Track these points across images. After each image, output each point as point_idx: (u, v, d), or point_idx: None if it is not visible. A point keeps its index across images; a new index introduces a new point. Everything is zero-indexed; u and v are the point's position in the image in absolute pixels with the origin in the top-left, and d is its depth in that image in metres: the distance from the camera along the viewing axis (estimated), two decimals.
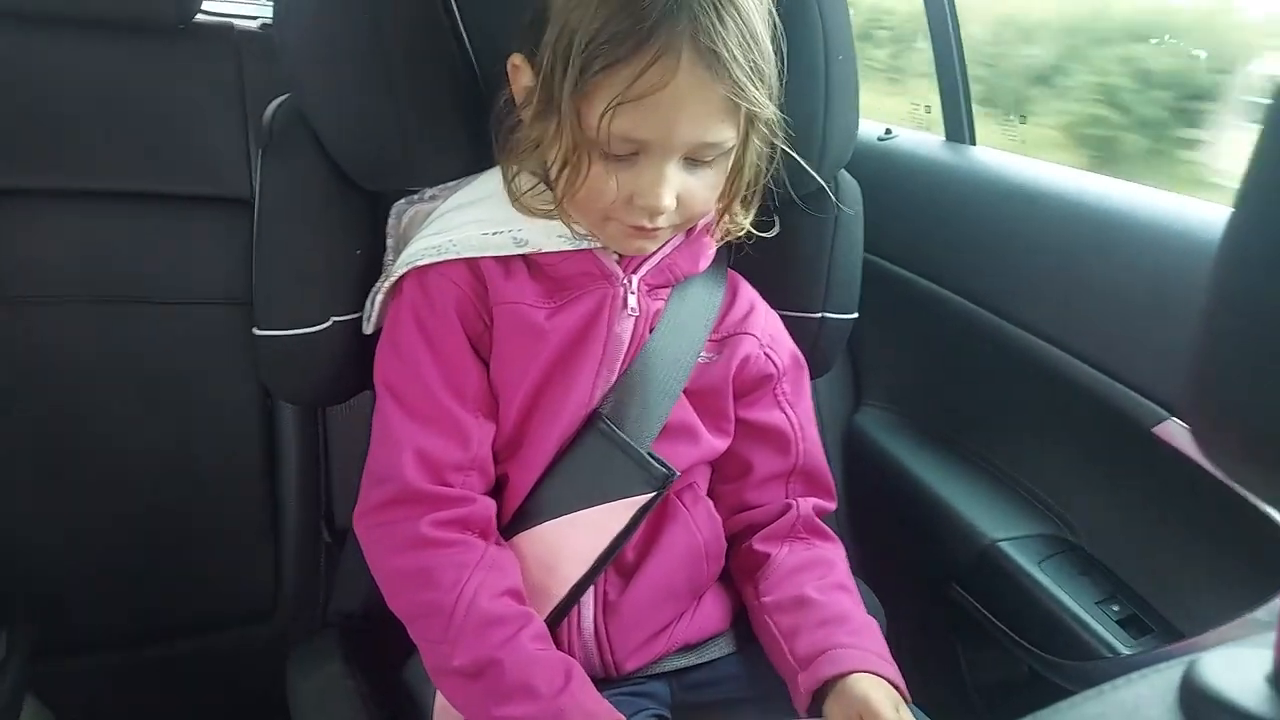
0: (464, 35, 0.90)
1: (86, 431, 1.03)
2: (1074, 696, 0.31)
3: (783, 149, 0.77)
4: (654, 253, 0.79)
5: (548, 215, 0.75)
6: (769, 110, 0.71)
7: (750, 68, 0.67)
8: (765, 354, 0.86)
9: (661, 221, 0.71)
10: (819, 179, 0.87)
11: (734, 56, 0.65)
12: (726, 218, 0.79)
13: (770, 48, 0.70)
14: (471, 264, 0.76)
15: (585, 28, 0.65)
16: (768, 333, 0.87)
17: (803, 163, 0.82)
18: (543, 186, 0.76)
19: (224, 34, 1.08)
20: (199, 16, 1.06)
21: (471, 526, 0.73)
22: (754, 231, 0.82)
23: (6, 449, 1.01)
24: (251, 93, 1.05)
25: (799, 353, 0.89)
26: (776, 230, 0.82)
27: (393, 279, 0.78)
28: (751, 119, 0.70)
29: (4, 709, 0.85)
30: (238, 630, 1.09)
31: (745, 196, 0.78)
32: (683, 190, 0.70)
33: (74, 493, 1.03)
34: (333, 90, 0.82)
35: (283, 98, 0.86)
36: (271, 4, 0.90)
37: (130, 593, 1.05)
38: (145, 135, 1.04)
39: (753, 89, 0.67)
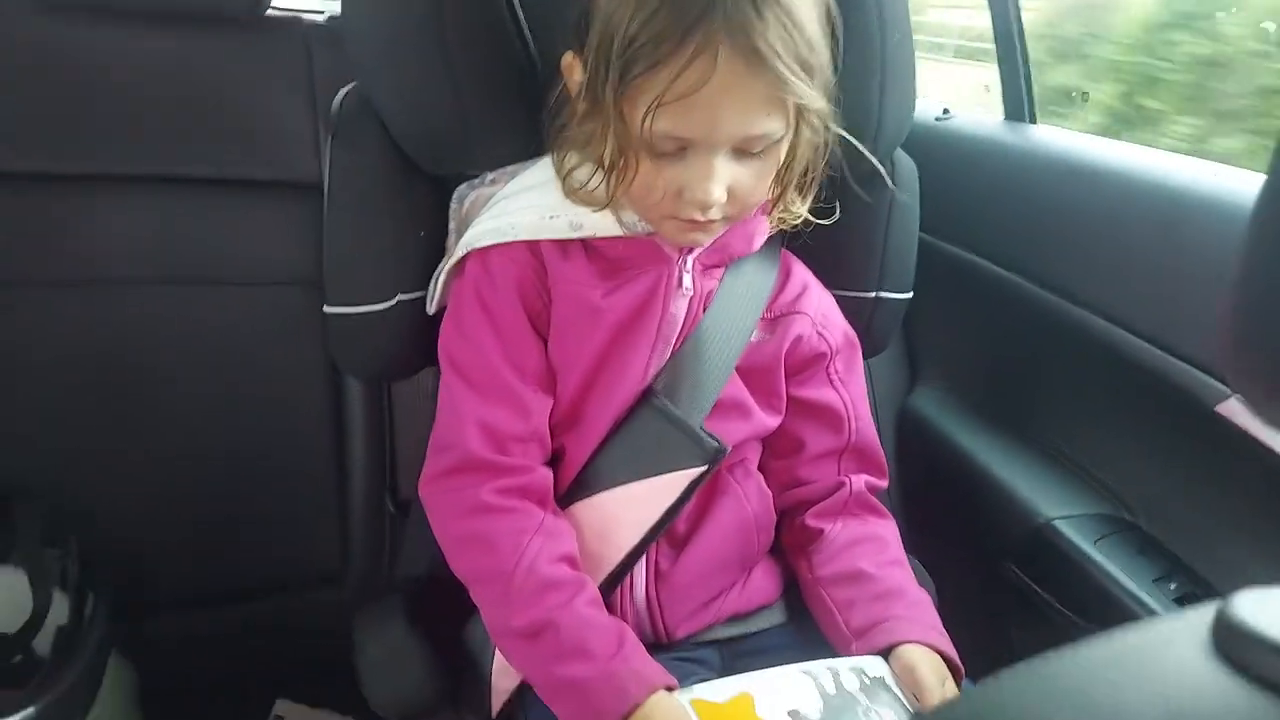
0: (522, 24, 0.92)
1: (162, 407, 1.08)
2: (1105, 631, 0.32)
3: (838, 133, 0.76)
4: None
5: (601, 209, 0.76)
6: (817, 101, 0.69)
7: (794, 60, 0.65)
8: (818, 333, 0.86)
9: (714, 214, 0.71)
10: (874, 161, 0.86)
11: (774, 51, 0.64)
12: (781, 206, 0.78)
13: (821, 36, 0.69)
14: (532, 245, 0.78)
15: (624, 30, 0.65)
16: (820, 312, 0.87)
17: (859, 145, 0.81)
18: (595, 182, 0.76)
19: (293, 26, 1.13)
20: (269, 11, 1.10)
21: (530, 495, 0.76)
22: (811, 219, 0.81)
23: (89, 423, 1.07)
24: (320, 82, 1.09)
25: (851, 331, 0.90)
26: (836, 217, 0.82)
27: (455, 259, 0.81)
28: (801, 110, 0.69)
29: (90, 666, 0.91)
30: (308, 594, 1.14)
31: (800, 185, 0.78)
32: (733, 182, 0.70)
33: (152, 465, 1.09)
34: (396, 78, 0.84)
35: (349, 86, 0.89)
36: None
37: (205, 558, 1.10)
38: (217, 123, 1.08)
39: (797, 81, 0.66)
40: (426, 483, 0.78)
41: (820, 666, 0.70)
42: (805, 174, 0.76)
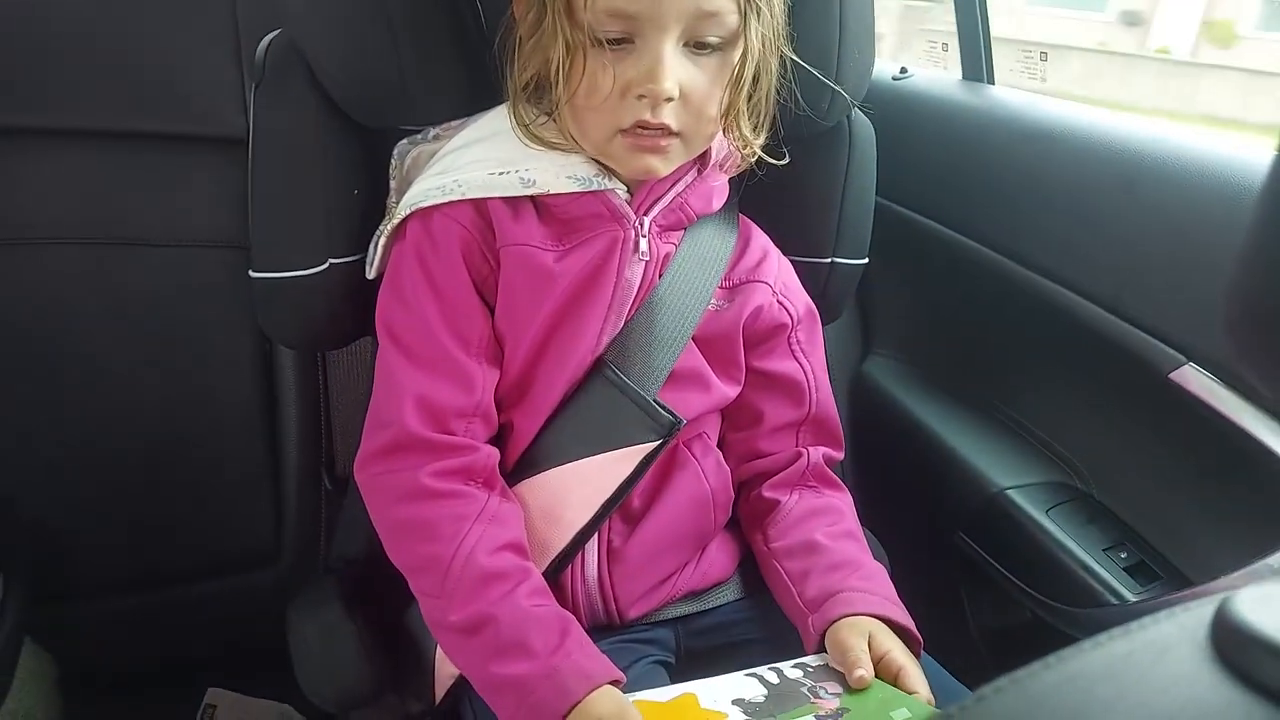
0: None
1: (82, 376, 1.02)
2: (1099, 635, 0.29)
3: (793, 59, 0.76)
4: (666, 191, 0.77)
5: (556, 146, 0.74)
6: None
7: None
8: (779, 302, 0.84)
9: (667, 114, 0.69)
10: (833, 87, 0.84)
11: None
12: (735, 135, 0.76)
13: None
14: (478, 205, 0.74)
15: None
16: (781, 280, 0.85)
17: (818, 75, 0.80)
18: (546, 119, 0.74)
19: None
20: None
21: (474, 476, 0.72)
22: (765, 158, 0.79)
23: (2, 395, 1.00)
24: (245, 29, 1.02)
25: (812, 303, 0.88)
26: (787, 160, 0.80)
27: (396, 221, 0.76)
28: (751, 1, 0.68)
29: (1, 652, 0.85)
30: (239, 576, 1.09)
31: (756, 112, 0.75)
32: (685, 81, 0.68)
33: (72, 437, 1.02)
34: (328, 21, 0.79)
35: (276, 32, 0.83)
36: None
37: (129, 537, 1.05)
38: (136, 74, 1.01)
39: None
40: (362, 465, 0.74)
41: (764, 668, 0.70)
42: (756, 98, 0.75)
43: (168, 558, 1.07)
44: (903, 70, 1.26)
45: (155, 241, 1.03)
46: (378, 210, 0.84)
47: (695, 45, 0.69)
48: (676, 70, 0.68)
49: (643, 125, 0.69)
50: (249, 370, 1.06)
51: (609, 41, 0.68)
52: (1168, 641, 0.29)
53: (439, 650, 0.75)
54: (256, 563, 1.09)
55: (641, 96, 0.68)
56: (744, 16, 0.69)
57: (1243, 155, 0.86)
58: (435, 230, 0.74)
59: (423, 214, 0.75)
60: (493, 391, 0.75)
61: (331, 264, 0.83)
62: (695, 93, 0.70)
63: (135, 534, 1.04)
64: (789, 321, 0.84)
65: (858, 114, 0.94)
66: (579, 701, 0.63)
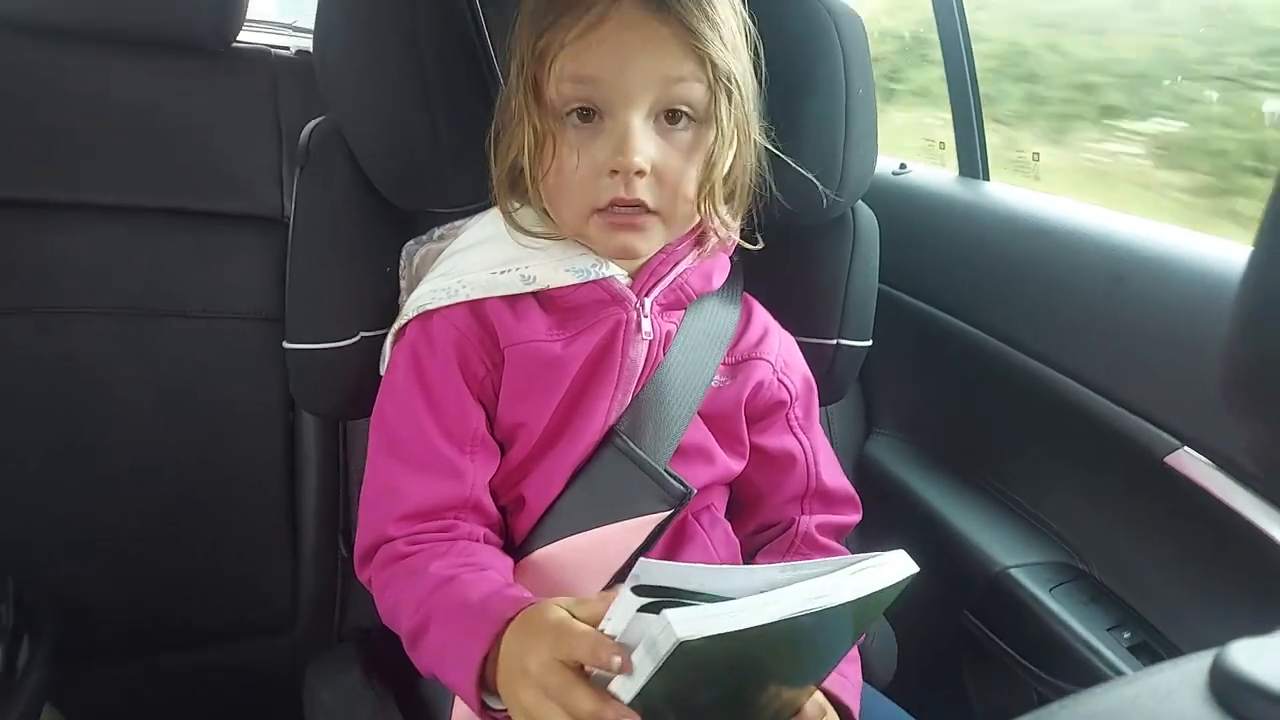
0: (493, 60, 0.93)
1: (110, 441, 1.04)
2: (1105, 682, 0.32)
3: (769, 148, 0.78)
4: (667, 273, 0.79)
5: (538, 234, 0.76)
6: (732, 64, 0.69)
7: (700, 14, 0.67)
8: (779, 379, 0.86)
9: (641, 190, 0.69)
10: (828, 194, 0.87)
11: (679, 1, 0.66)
12: (711, 215, 0.74)
13: (735, 25, 0.71)
14: (476, 309, 0.76)
15: (534, 9, 0.70)
16: (781, 357, 0.87)
17: (814, 180, 0.83)
18: (528, 206, 0.76)
19: (261, 59, 1.11)
20: (237, 43, 1.09)
21: (447, 534, 0.74)
22: (742, 244, 0.81)
23: (32, 457, 1.02)
24: (286, 115, 1.08)
25: (809, 374, 0.90)
26: (762, 245, 0.81)
27: (404, 321, 0.79)
28: (719, 75, 0.69)
29: (23, 716, 0.85)
30: (254, 642, 1.09)
31: (733, 197, 0.76)
32: (658, 159, 0.69)
33: (97, 501, 1.04)
34: (370, 106, 0.84)
35: (318, 120, 0.89)
36: (308, 35, 0.93)
37: (148, 601, 1.05)
38: (180, 154, 1.06)
39: (706, 32, 0.67)
40: (358, 565, 0.77)
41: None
42: (732, 182, 0.75)
43: (186, 622, 1.07)
44: (902, 166, 1.33)
45: (190, 312, 1.06)
46: None
47: (667, 118, 0.70)
48: (646, 145, 0.68)
49: (618, 203, 0.70)
50: (272, 439, 1.08)
51: (579, 117, 0.69)
52: (1170, 686, 0.32)
53: (455, 713, 0.75)
54: (272, 629, 1.09)
55: (614, 172, 0.69)
56: (713, 93, 0.69)
57: (1224, 250, 0.91)
58: (433, 332, 0.76)
59: (423, 316, 0.77)
60: (485, 484, 0.76)
61: (362, 336, 0.87)
62: (669, 170, 0.70)
63: (155, 598, 1.05)
64: (787, 399, 0.86)
65: (862, 205, 0.99)
66: (510, 618, 0.61)
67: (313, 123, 0.89)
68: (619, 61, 0.67)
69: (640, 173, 0.68)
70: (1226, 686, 0.31)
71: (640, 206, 0.70)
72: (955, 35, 1.25)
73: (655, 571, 0.51)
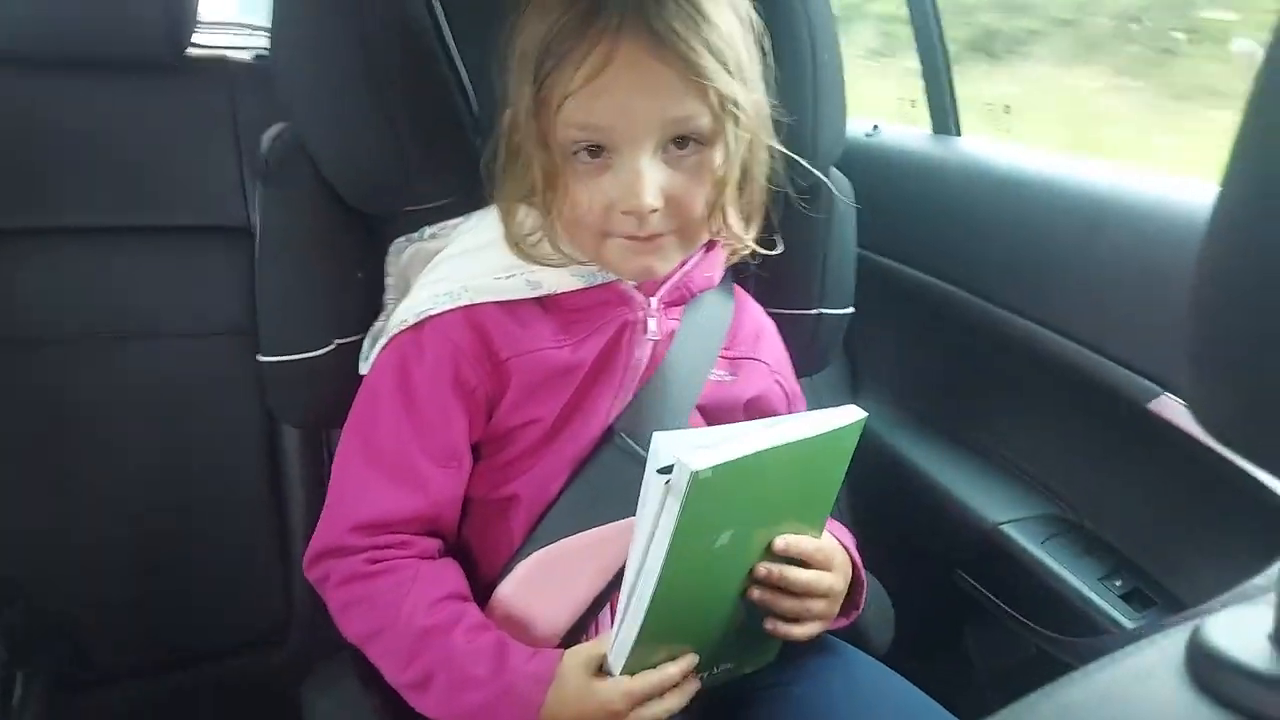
0: (455, 58, 0.91)
1: (88, 468, 1.03)
2: (1084, 666, 0.32)
3: (775, 147, 0.76)
4: (675, 273, 0.78)
5: (553, 263, 0.75)
6: (738, 91, 0.69)
7: (701, 45, 0.66)
8: (777, 382, 0.87)
9: (655, 224, 0.69)
10: (815, 172, 0.87)
11: (674, 31, 0.65)
12: (726, 230, 0.76)
13: (739, 36, 0.70)
14: (472, 319, 0.75)
15: (533, 41, 0.68)
16: (776, 358, 0.88)
17: (800, 160, 0.82)
18: (541, 234, 0.75)
19: (217, 67, 1.09)
20: (191, 50, 1.07)
21: (408, 550, 0.74)
22: (759, 250, 0.81)
23: (19, 486, 1.01)
24: (245, 123, 1.05)
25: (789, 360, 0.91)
26: (781, 249, 0.82)
27: (403, 328, 0.77)
28: (724, 103, 0.68)
29: None
30: (250, 657, 1.09)
31: (743, 203, 0.76)
32: (667, 188, 0.69)
33: (86, 527, 1.03)
34: (328, 113, 0.83)
35: (279, 126, 0.87)
36: (266, 34, 0.91)
37: (142, 623, 1.05)
38: (139, 171, 1.03)
39: (708, 65, 0.66)
40: (308, 563, 0.77)
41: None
42: (745, 190, 0.75)
43: (177, 641, 1.06)
44: (874, 128, 1.32)
45: (162, 333, 1.05)
46: (380, 290, 0.86)
47: (676, 143, 0.69)
48: (656, 181, 0.68)
49: (632, 237, 0.70)
50: (255, 453, 1.07)
51: (588, 154, 0.69)
52: (1150, 668, 0.32)
53: None
54: (265, 643, 1.09)
55: (626, 213, 0.69)
56: (718, 120, 0.68)
57: (1198, 195, 0.91)
58: (424, 342, 0.75)
59: (414, 325, 0.76)
60: (452, 499, 0.76)
61: (338, 344, 0.86)
62: (679, 196, 0.70)
63: (145, 619, 1.04)
64: (785, 401, 0.87)
65: (835, 171, 0.98)
66: (543, 703, 0.66)
67: (272, 130, 0.87)
68: (624, 108, 0.67)
69: (654, 210, 0.69)
70: (1203, 665, 0.31)
71: (655, 237, 0.71)
72: None
73: (669, 442, 0.59)
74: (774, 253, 0.82)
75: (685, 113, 0.68)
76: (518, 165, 0.73)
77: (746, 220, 0.78)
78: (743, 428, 0.63)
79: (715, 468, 0.56)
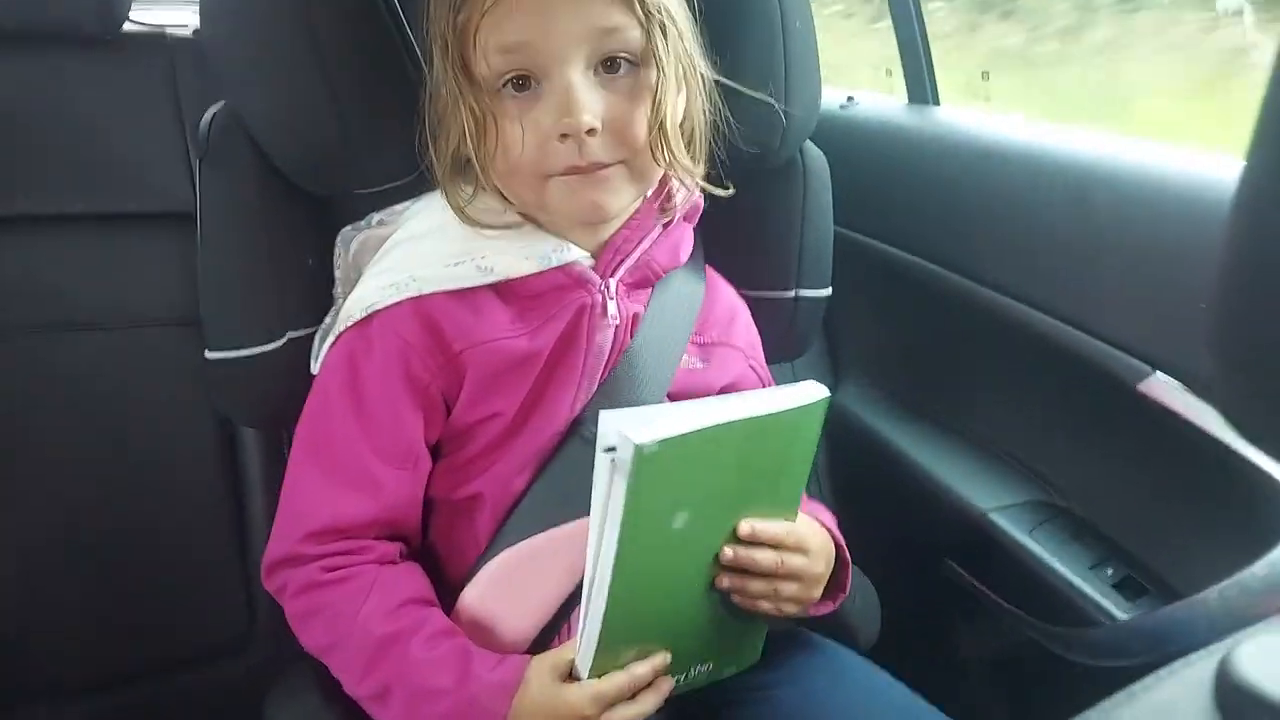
0: (404, 25, 0.86)
1: (33, 469, 0.98)
2: (1104, 702, 0.29)
3: (726, 83, 0.75)
4: (632, 250, 0.75)
5: (495, 225, 0.72)
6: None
7: None
8: (751, 368, 0.84)
9: (596, 150, 0.66)
10: (779, 108, 0.84)
11: None
12: (670, 161, 0.70)
13: None
14: (421, 310, 0.72)
15: None
16: (750, 343, 0.86)
17: (766, 98, 0.79)
18: (482, 193, 0.73)
19: (155, 43, 1.03)
20: (128, 26, 1.01)
21: (365, 555, 0.71)
22: (709, 189, 0.77)
23: None
24: (187, 102, 1.00)
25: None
26: (732, 190, 0.78)
27: (351, 323, 0.74)
28: (651, 12, 0.66)
29: None
30: (208, 668, 1.05)
31: (691, 139, 0.73)
32: (604, 110, 0.66)
33: (24, 533, 0.98)
34: (266, 90, 0.78)
35: (218, 105, 0.82)
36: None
37: (90, 634, 1.00)
38: (76, 154, 0.98)
39: None
40: (265, 573, 0.74)
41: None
42: (689, 123, 0.73)
43: (132, 654, 1.02)
44: (849, 99, 1.27)
45: (107, 324, 1.00)
46: (333, 279, 0.82)
47: (605, 66, 0.67)
48: (591, 100, 0.65)
49: (574, 169, 0.67)
50: (211, 453, 1.02)
51: (514, 87, 0.66)
52: (1173, 702, 0.28)
53: None
54: (227, 653, 1.04)
55: (564, 136, 0.65)
56: (647, 32, 0.66)
57: (1191, 163, 0.87)
58: (372, 337, 0.72)
59: (362, 320, 0.73)
60: (410, 500, 0.74)
61: (290, 338, 0.81)
62: (617, 119, 0.67)
63: (96, 630, 1.00)
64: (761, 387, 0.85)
65: (810, 145, 0.95)
66: (509, 712, 0.64)
67: (212, 109, 0.82)
68: (543, 21, 0.64)
69: (591, 131, 0.65)
70: (1232, 698, 0.27)
71: (598, 166, 0.67)
72: None
73: (615, 419, 0.57)
74: (727, 193, 0.78)
75: (611, 23, 0.65)
76: (448, 119, 0.70)
77: (694, 155, 0.74)
78: (695, 405, 0.61)
79: (661, 441, 0.54)
